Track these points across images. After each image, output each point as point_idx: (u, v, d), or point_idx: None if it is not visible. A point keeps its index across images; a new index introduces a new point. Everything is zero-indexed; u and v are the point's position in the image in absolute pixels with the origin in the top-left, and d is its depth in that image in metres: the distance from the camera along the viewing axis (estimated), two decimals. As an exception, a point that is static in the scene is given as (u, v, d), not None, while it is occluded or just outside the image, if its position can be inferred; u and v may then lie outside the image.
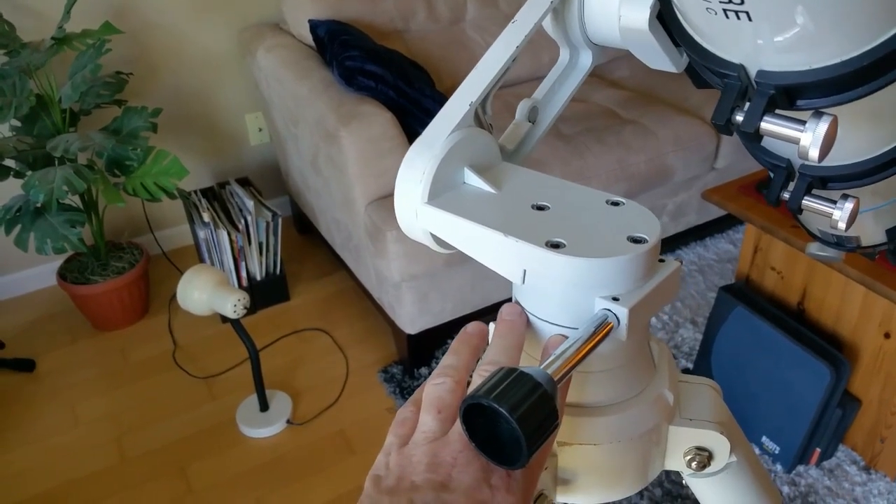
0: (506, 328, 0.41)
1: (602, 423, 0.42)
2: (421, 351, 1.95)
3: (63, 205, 1.85)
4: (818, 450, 1.61)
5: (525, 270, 0.39)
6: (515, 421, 0.30)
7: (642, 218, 0.40)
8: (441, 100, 1.85)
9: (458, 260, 1.76)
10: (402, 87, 1.81)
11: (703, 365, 1.80)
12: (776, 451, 1.64)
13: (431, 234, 0.43)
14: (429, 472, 0.33)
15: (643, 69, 2.36)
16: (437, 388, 0.37)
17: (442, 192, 0.43)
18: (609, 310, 0.37)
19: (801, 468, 1.64)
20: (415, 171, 0.42)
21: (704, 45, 0.37)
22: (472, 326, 0.43)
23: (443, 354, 1.97)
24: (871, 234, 0.57)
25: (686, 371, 1.91)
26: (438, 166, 0.42)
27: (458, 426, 0.35)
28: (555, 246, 0.37)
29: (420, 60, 2.13)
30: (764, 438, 1.66)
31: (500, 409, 0.30)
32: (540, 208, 0.41)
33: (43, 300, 2.34)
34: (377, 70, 1.78)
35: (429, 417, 0.36)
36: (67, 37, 1.92)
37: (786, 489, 1.60)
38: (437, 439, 0.35)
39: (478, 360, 0.40)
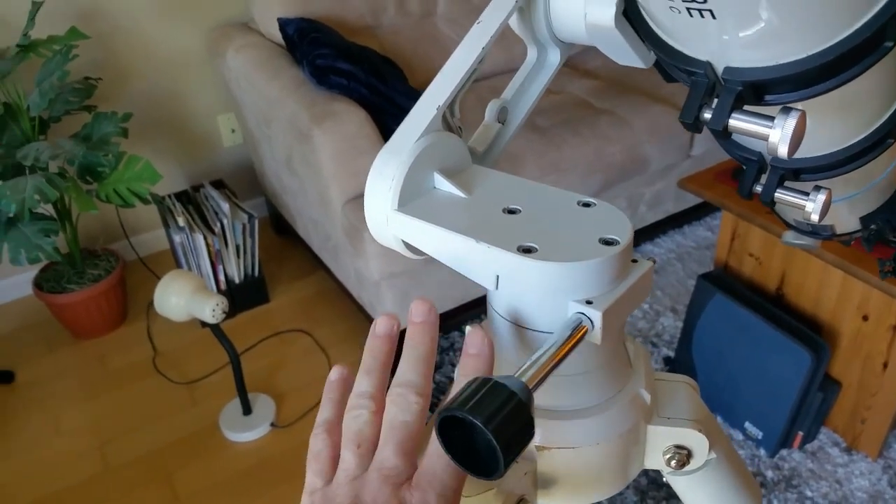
0: (416, 333, 0.38)
1: (580, 426, 0.42)
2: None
3: (36, 214, 1.82)
4: (800, 433, 1.63)
5: (498, 276, 0.38)
6: (491, 432, 0.30)
7: (613, 219, 0.40)
8: (415, 95, 1.83)
9: (438, 256, 1.75)
10: (375, 84, 1.79)
11: (684, 353, 1.81)
12: (759, 437, 1.66)
13: (403, 241, 0.43)
14: None
15: (617, 59, 2.36)
16: (356, 421, 0.37)
17: (412, 199, 0.42)
18: (583, 313, 0.37)
19: (784, 452, 1.66)
20: (383, 178, 0.41)
21: (670, 42, 0.36)
22: (381, 325, 0.40)
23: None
24: (846, 222, 0.57)
25: (668, 359, 1.93)
26: (407, 173, 0.41)
27: (377, 461, 0.35)
28: (526, 251, 0.37)
29: (392, 56, 2.12)
30: (747, 424, 1.68)
31: (475, 420, 0.30)
32: (511, 212, 0.41)
33: (20, 310, 2.30)
34: (349, 67, 1.77)
35: (349, 454, 0.36)
36: (33, 43, 1.88)
37: (769, 473, 1.62)
38: (357, 477, 0.35)
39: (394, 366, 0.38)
